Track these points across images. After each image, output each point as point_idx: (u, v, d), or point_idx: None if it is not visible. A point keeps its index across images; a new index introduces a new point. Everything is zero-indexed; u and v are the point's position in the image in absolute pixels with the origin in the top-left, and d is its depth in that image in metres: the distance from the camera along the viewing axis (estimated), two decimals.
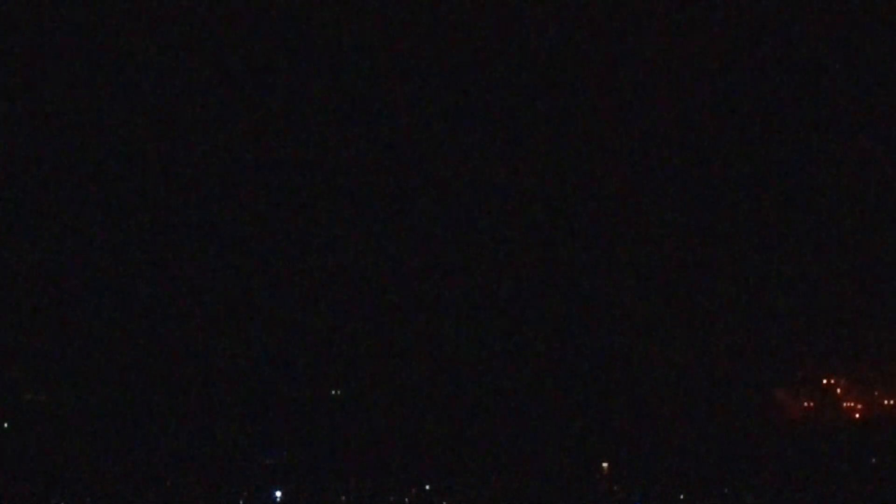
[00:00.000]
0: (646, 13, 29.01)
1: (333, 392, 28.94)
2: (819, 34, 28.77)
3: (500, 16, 29.03)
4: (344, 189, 28.65)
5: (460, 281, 28.28)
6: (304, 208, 28.78)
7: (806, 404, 28.42)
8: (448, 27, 29.01)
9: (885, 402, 28.24)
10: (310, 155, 28.83)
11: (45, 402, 28.35)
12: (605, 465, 27.93)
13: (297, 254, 28.57)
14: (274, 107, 28.87)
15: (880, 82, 28.82)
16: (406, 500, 27.42)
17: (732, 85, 28.95)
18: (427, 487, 27.58)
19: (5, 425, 27.99)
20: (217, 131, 28.94)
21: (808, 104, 28.86)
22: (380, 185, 28.44)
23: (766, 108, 28.95)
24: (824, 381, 28.51)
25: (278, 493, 27.56)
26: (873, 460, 27.47)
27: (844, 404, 28.30)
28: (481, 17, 29.02)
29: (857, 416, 28.24)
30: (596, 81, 28.83)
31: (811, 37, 28.80)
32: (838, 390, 28.43)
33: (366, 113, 28.89)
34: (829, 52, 28.87)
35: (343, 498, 27.43)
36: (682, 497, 27.18)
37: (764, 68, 29.07)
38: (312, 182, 28.74)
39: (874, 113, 28.87)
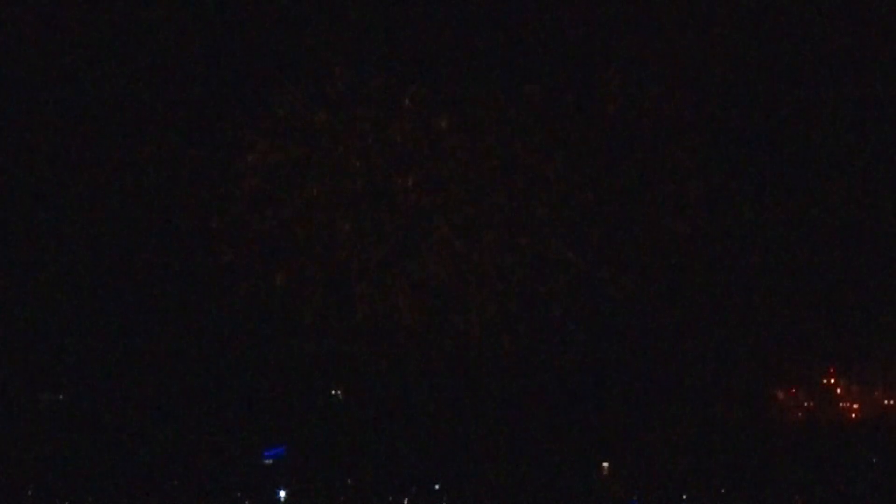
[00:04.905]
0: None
1: (333, 392, 29.07)
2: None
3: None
4: (342, 189, 28.70)
5: (458, 279, 28.33)
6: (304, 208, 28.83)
7: (806, 404, 28.44)
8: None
9: (885, 402, 28.24)
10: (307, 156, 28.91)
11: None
12: (605, 465, 27.99)
13: (297, 254, 28.65)
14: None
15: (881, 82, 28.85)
16: (406, 500, 27.52)
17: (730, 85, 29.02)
18: (427, 487, 27.70)
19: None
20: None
21: (805, 102, 28.89)
22: (379, 187, 28.47)
23: (764, 105, 28.99)
24: (824, 381, 28.54)
25: (282, 493, 27.72)
26: (873, 460, 27.49)
27: (844, 404, 28.32)
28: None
29: (857, 416, 28.25)
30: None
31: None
32: (838, 390, 28.45)
33: None
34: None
35: (343, 498, 27.55)
36: (682, 497, 27.22)
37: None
38: (313, 178, 28.78)
39: (875, 112, 28.88)
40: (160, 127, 28.69)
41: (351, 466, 28.08)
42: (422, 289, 27.61)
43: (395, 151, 27.43)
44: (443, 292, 27.68)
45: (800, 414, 28.37)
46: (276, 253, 27.90)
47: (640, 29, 28.67)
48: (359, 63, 27.70)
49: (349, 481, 27.82)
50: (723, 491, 27.07)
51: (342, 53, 27.84)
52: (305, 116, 27.25)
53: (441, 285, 27.63)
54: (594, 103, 28.24)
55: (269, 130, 27.22)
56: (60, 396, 28.68)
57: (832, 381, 28.40)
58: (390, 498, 27.50)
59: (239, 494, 27.57)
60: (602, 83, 27.92)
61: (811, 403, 28.35)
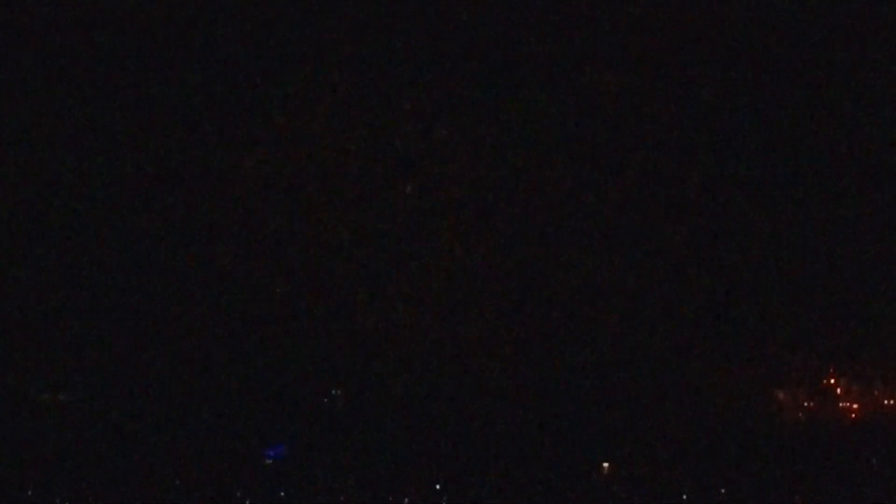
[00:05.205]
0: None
1: (333, 392, 29.04)
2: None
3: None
4: (342, 190, 28.68)
5: (458, 281, 28.32)
6: (305, 209, 28.81)
7: (806, 404, 28.40)
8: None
9: (885, 402, 28.21)
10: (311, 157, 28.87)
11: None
12: (605, 465, 27.98)
13: (297, 253, 28.62)
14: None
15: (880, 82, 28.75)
16: (406, 500, 27.51)
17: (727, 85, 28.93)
18: (427, 488, 27.68)
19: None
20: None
21: (805, 101, 28.81)
22: (378, 190, 28.46)
23: (760, 105, 28.90)
24: (824, 381, 28.49)
25: (282, 493, 27.75)
26: (873, 460, 27.48)
27: (844, 404, 28.28)
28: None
29: (857, 416, 28.22)
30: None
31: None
32: (838, 390, 28.41)
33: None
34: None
35: (342, 497, 27.55)
36: (682, 497, 27.23)
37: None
38: (313, 181, 28.75)
39: (874, 110, 28.79)
40: (159, 129, 28.63)
41: (351, 466, 28.08)
42: (422, 293, 27.63)
43: (394, 156, 27.42)
44: (443, 297, 27.71)
45: (800, 414, 28.30)
46: (276, 256, 27.93)
47: (640, 29, 28.60)
48: (359, 66, 27.67)
49: (349, 481, 27.79)
50: (723, 491, 27.06)
51: (342, 56, 27.80)
52: (304, 120, 27.22)
53: (441, 290, 27.66)
54: (595, 105, 28.24)
55: (267, 134, 27.21)
56: (60, 396, 28.62)
57: (832, 381, 28.34)
58: (390, 498, 27.48)
59: (239, 494, 27.56)
60: (603, 84, 27.89)
61: (811, 403, 28.29)
